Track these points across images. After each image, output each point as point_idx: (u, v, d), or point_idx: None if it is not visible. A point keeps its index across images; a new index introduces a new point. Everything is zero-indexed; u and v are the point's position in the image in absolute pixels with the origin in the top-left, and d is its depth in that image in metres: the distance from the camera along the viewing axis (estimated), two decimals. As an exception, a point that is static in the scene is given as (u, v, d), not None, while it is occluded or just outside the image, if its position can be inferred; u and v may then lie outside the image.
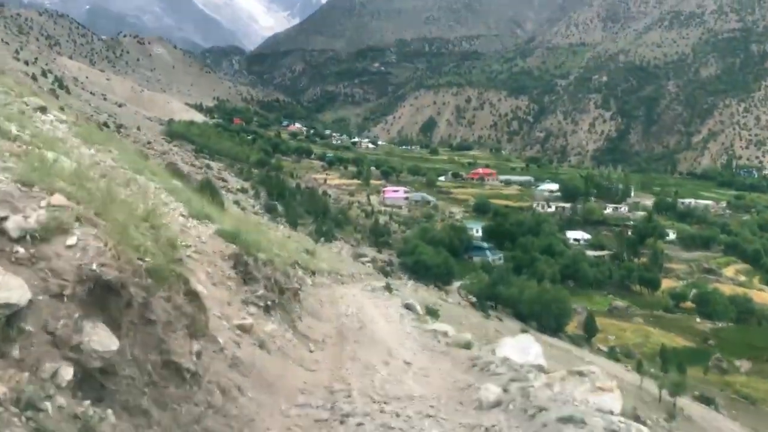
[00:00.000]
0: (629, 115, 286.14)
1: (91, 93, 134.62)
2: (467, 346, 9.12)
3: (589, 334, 53.67)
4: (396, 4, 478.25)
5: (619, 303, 67.60)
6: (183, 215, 8.09)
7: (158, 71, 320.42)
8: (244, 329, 5.89)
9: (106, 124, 62.79)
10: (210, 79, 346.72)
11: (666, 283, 75.87)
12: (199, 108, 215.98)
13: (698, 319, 62.86)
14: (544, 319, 49.93)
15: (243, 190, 70.11)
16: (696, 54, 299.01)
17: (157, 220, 4.31)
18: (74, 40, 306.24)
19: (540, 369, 6.43)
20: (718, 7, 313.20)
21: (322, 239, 56.51)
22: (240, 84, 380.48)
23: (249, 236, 8.12)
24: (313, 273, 17.65)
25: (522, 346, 7.50)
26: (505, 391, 5.29)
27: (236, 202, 46.92)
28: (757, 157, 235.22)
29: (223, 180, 68.19)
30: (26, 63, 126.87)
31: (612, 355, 48.04)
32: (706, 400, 38.62)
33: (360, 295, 18.05)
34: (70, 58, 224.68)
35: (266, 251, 8.42)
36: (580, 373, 5.18)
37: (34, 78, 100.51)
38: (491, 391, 5.27)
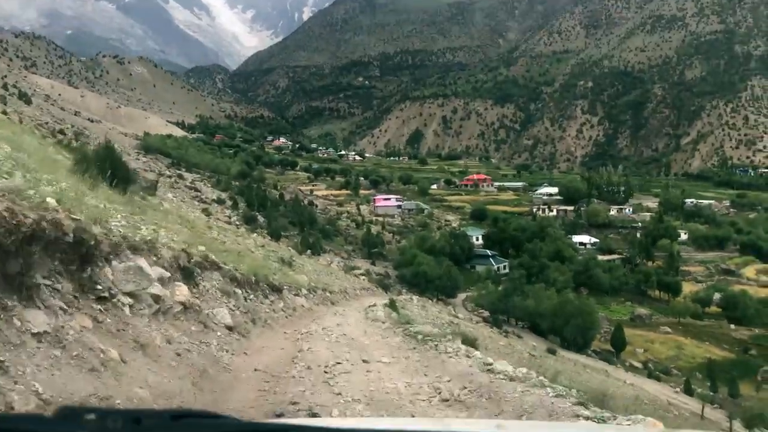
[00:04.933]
0: (616, 119, 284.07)
1: (61, 108, 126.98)
2: None
3: (617, 348, 46.96)
4: (378, 18, 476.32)
5: (642, 311, 60.93)
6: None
7: (139, 90, 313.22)
8: None
9: (61, 131, 55.64)
10: (193, 98, 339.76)
11: (685, 287, 69.51)
12: (181, 125, 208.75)
13: (732, 326, 56.33)
14: (567, 334, 43.13)
15: (219, 201, 63.19)
16: (680, 57, 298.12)
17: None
18: (52, 61, 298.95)
19: None
20: (699, 9, 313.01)
21: (309, 251, 49.54)
22: (224, 101, 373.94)
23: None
24: (277, 289, 10.43)
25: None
26: None
27: (204, 210, 39.97)
28: (747, 157, 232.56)
29: (196, 190, 60.96)
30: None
31: (650, 372, 41.29)
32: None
33: (365, 341, 8.51)
34: (48, 78, 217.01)
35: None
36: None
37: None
38: None
